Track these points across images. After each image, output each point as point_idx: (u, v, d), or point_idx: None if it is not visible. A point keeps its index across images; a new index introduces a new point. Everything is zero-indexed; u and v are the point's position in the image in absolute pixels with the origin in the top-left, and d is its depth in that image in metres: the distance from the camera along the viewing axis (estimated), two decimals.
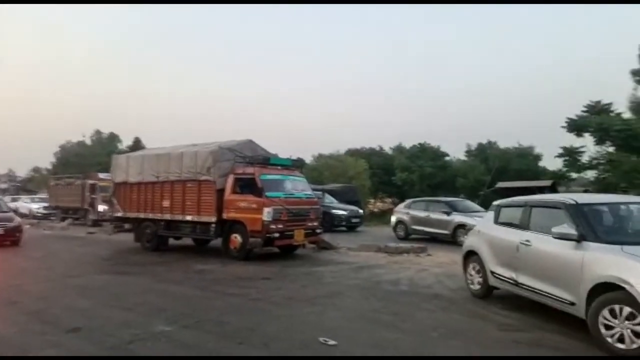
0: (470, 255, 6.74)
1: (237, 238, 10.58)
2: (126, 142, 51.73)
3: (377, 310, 5.84)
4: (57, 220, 23.62)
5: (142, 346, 4.35)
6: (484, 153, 30.73)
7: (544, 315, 5.25)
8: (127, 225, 13.76)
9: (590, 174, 21.43)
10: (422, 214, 15.63)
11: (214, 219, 10.93)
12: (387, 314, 5.61)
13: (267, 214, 10.10)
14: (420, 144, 30.85)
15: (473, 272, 6.63)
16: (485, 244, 6.34)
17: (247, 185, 10.73)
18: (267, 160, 11.41)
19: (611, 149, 20.12)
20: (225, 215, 10.83)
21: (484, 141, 32.24)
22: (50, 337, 4.62)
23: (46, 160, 59.70)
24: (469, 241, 6.99)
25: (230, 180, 10.96)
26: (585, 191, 17.73)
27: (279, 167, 11.61)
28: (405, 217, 16.24)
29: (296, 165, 13.23)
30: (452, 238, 14.15)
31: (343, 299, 6.53)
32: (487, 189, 22.69)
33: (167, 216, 12.05)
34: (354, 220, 19.07)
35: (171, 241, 13.05)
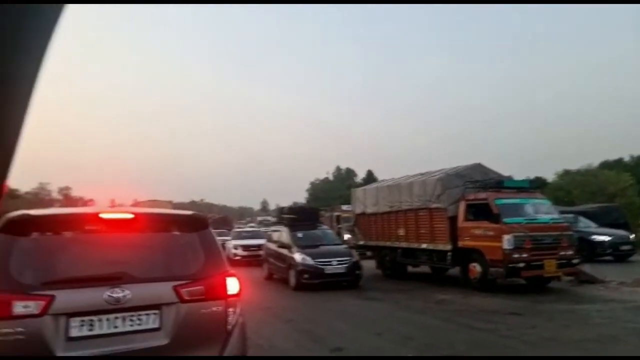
0: None
1: (475, 267, 10.09)
2: (361, 175, 57.01)
3: None
4: None
5: None
6: None
7: None
8: (368, 253, 14.90)
9: None
10: None
11: (449, 247, 10.75)
12: None
13: (507, 241, 9.32)
14: None
15: None
16: None
17: (481, 212, 10.21)
18: (500, 184, 10.67)
19: None
20: (460, 243, 10.52)
21: None
22: (319, 354, 5.36)
23: (301, 196, 71.53)
24: None
25: (462, 207, 10.65)
26: None
27: (515, 190, 10.65)
28: None
29: (535, 186, 11.87)
30: None
31: (621, 346, 5.35)
32: None
33: (403, 244, 12.52)
34: (623, 247, 15.49)
35: (409, 268, 13.42)
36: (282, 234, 12.66)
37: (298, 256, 11.04)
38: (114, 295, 2.76)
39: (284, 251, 11.87)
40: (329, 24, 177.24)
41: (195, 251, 3.30)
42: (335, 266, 10.84)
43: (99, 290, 2.75)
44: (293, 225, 12.73)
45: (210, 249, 3.35)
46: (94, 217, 3.12)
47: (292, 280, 11.02)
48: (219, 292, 3.14)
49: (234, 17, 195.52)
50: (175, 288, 2.96)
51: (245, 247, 18.21)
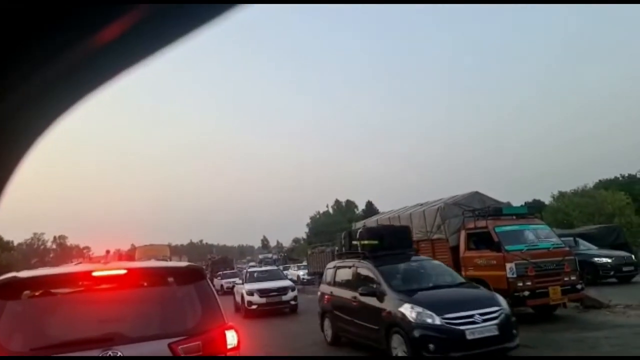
0: None
1: None
2: (361, 206, 57.04)
3: None
4: (317, 285, 27.00)
5: None
6: None
7: None
8: None
9: None
10: None
11: None
12: None
13: (510, 270, 9.22)
14: None
15: None
16: None
17: (482, 240, 10.15)
18: (499, 211, 10.66)
19: None
20: (464, 274, 10.35)
21: None
22: None
23: (302, 230, 71.06)
24: None
25: (462, 236, 10.60)
26: None
27: (514, 217, 10.64)
28: None
29: (533, 211, 11.88)
30: None
31: None
32: None
33: None
34: (625, 268, 15.29)
35: None
36: (360, 270, 7.98)
37: (408, 310, 6.29)
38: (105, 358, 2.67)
39: (370, 301, 7.14)
40: (324, 59, 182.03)
41: (192, 304, 3.23)
42: (480, 325, 6.07)
43: (91, 353, 2.66)
44: (378, 257, 8.05)
45: (207, 301, 3.28)
46: (86, 275, 3.07)
47: (399, 352, 6.35)
48: (218, 347, 3.05)
49: (230, 62, 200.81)
50: (170, 346, 2.87)
51: (264, 292, 14.32)
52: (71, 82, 0.54)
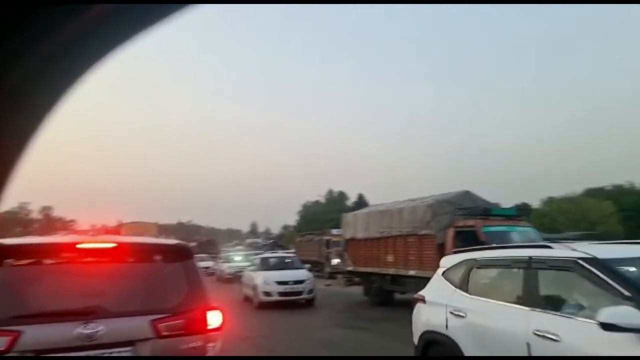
0: None
1: None
2: (352, 198, 57.15)
3: None
4: None
5: None
6: None
7: None
8: (357, 279, 14.69)
9: None
10: None
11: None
12: None
13: None
14: None
15: None
16: None
17: (468, 239, 10.19)
18: (488, 211, 10.74)
19: None
20: None
21: None
22: None
23: (292, 218, 71.08)
24: None
25: (450, 233, 10.65)
26: None
27: (502, 218, 10.72)
28: None
29: (521, 213, 11.98)
30: None
31: None
32: None
33: (392, 271, 12.40)
34: None
35: (397, 296, 13.25)
36: None
37: None
38: (86, 331, 2.65)
39: None
40: (322, 45, 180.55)
41: (178, 282, 3.21)
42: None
43: (71, 325, 2.64)
44: None
45: (193, 280, 3.26)
46: (71, 246, 3.02)
47: None
48: (200, 327, 3.04)
49: (226, 42, 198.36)
50: (153, 322, 2.86)
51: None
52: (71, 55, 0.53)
